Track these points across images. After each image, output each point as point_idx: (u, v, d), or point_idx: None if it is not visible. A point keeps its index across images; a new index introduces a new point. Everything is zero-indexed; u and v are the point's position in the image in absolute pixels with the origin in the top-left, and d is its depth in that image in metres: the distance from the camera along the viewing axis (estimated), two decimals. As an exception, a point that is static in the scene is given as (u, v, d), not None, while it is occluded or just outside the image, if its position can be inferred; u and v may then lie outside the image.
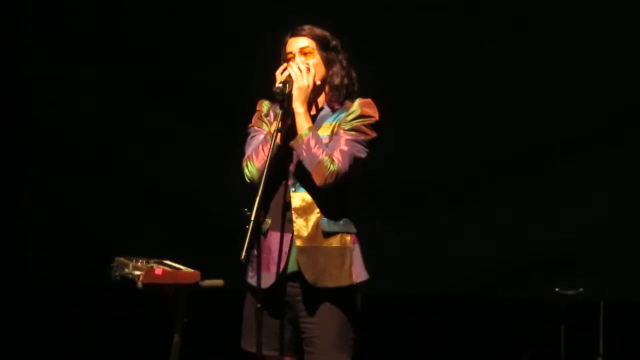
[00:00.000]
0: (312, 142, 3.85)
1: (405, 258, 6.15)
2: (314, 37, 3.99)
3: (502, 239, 6.16)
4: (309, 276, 3.85)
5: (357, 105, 3.95)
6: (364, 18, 6.20)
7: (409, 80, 6.16)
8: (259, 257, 3.84)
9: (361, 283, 3.93)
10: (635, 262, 6.01)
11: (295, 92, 3.89)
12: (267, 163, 3.81)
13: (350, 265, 3.90)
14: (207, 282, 4.22)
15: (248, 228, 3.70)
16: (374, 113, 3.95)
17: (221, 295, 4.49)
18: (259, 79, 4.29)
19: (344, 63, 4.02)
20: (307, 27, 4.00)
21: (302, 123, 3.89)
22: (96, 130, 6.62)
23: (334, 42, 4.03)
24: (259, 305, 3.80)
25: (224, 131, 5.92)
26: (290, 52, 3.99)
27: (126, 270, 4.24)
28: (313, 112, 4.01)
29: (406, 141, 6.08)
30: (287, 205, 3.92)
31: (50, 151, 6.68)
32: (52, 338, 6.59)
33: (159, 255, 4.42)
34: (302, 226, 3.89)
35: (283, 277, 3.90)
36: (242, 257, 3.69)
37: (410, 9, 6.22)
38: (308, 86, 3.90)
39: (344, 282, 3.88)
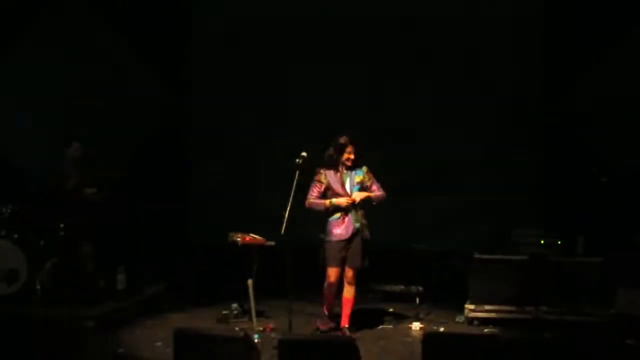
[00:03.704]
0: (376, 195, 8.91)
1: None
2: (355, 144, 8.98)
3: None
4: (362, 235, 9.00)
5: (366, 169, 8.95)
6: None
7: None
8: (339, 226, 8.96)
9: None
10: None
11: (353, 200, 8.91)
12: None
13: (368, 229, 9.08)
14: (268, 243, 9.32)
15: (284, 218, 8.53)
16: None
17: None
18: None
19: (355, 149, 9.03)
20: (354, 138, 8.95)
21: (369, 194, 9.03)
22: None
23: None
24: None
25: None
26: (349, 149, 8.90)
27: (233, 237, 9.38)
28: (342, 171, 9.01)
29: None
30: (352, 204, 8.96)
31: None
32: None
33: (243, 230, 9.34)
34: (356, 214, 8.90)
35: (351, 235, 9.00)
36: (282, 231, 8.49)
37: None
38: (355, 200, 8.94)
39: (368, 236, 9.09)
